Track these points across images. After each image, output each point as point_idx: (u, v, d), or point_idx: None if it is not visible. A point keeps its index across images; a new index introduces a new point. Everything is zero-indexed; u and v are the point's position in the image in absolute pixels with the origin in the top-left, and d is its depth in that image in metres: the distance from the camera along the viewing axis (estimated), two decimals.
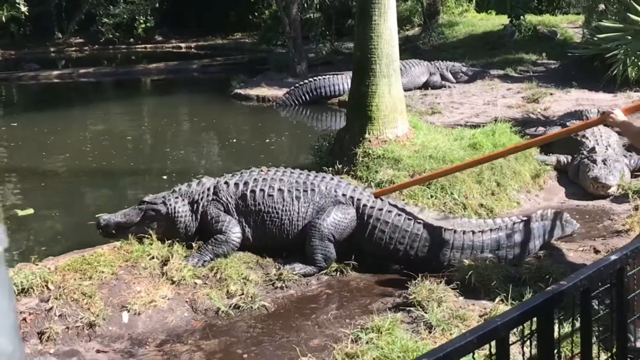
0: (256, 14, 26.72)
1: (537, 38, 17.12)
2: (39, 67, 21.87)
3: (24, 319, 4.73)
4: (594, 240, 6.17)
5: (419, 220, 5.73)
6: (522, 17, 17.17)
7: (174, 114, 14.82)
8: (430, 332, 4.53)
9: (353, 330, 4.60)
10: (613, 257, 2.60)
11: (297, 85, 14.25)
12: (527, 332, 2.37)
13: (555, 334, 2.39)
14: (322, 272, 5.70)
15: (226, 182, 5.94)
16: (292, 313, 5.15)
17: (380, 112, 7.41)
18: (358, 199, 5.83)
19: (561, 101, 11.82)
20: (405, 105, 7.92)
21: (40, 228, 7.59)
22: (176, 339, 4.81)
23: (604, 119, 5.09)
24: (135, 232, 5.77)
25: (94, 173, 9.70)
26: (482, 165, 6.97)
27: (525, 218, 5.86)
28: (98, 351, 4.66)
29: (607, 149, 7.94)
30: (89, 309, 4.88)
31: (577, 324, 2.62)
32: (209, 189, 5.92)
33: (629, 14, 11.75)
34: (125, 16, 27.04)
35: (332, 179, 6.07)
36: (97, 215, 6.18)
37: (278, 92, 14.66)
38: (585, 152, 7.94)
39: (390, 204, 5.88)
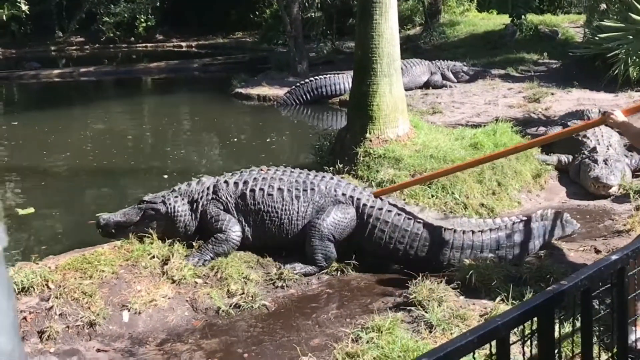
0: (257, 13, 26.75)
1: (538, 37, 17.11)
2: (39, 66, 21.87)
3: (25, 318, 4.73)
4: (595, 240, 6.17)
5: (418, 220, 5.73)
6: (523, 16, 17.16)
7: (175, 113, 14.82)
8: (430, 332, 4.53)
9: (353, 330, 4.60)
10: (614, 257, 2.60)
11: (298, 84, 14.25)
12: (527, 331, 2.36)
13: (556, 334, 2.38)
14: (323, 271, 5.70)
15: (226, 181, 5.94)
16: (293, 312, 5.15)
17: (381, 112, 7.40)
18: (358, 199, 5.83)
19: (562, 101, 11.81)
20: (406, 105, 7.92)
21: (40, 227, 7.59)
22: (177, 338, 4.81)
23: (604, 119, 5.09)
24: (135, 231, 5.77)
25: (95, 172, 9.70)
26: (483, 165, 6.97)
27: (525, 218, 5.86)
28: (98, 350, 4.66)
29: (608, 149, 7.94)
30: (89, 308, 4.88)
31: (578, 324, 2.61)
32: (208, 188, 5.92)
33: (630, 14, 11.75)
34: (126, 15, 27.10)
35: (331, 178, 6.07)
36: (97, 215, 6.18)
37: (279, 92, 14.66)
38: (586, 152, 7.94)
39: (390, 203, 5.87)
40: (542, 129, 9.49)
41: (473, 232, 5.67)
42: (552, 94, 12.28)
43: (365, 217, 5.76)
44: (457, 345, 2.00)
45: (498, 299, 4.83)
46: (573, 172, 7.97)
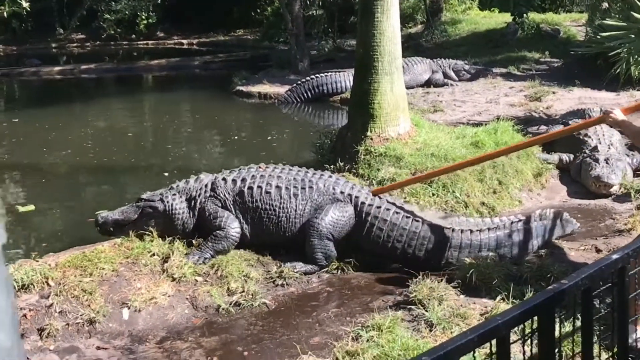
0: (258, 10, 26.73)
1: (540, 36, 17.09)
2: (40, 62, 21.87)
3: (24, 315, 4.73)
4: (596, 239, 6.16)
5: (417, 219, 5.72)
6: (525, 15, 17.12)
7: (176, 110, 14.81)
8: (431, 331, 4.52)
9: (354, 328, 4.60)
10: (615, 256, 2.60)
11: (299, 82, 14.24)
12: (528, 330, 2.36)
13: (556, 333, 2.38)
14: (323, 270, 5.70)
15: (224, 179, 5.93)
16: (293, 311, 5.14)
17: (382, 110, 7.39)
18: (356, 197, 5.82)
19: (564, 100, 11.80)
20: (407, 103, 7.91)
21: (40, 224, 7.59)
22: (176, 336, 4.81)
23: (604, 118, 5.08)
24: (133, 229, 5.77)
25: (95, 169, 9.70)
26: (484, 163, 6.96)
27: (523, 217, 5.85)
28: (98, 348, 4.66)
29: (609, 148, 7.93)
30: (89, 305, 4.88)
31: (578, 323, 2.61)
32: (206, 186, 5.91)
33: (632, 13, 11.75)
34: (127, 12, 27.10)
35: (330, 176, 6.06)
36: (96, 213, 6.18)
37: (280, 89, 14.65)
38: (587, 151, 7.93)
39: (388, 202, 5.86)
40: (543, 127, 9.48)
41: (471, 231, 5.67)
42: (554, 92, 12.26)
43: (363, 216, 5.76)
44: (457, 344, 1.99)
45: (498, 297, 4.83)
46: (574, 171, 7.97)
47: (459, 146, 7.62)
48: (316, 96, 13.88)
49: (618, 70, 11.92)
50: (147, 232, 5.72)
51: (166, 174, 8.88)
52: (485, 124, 8.86)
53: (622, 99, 11.50)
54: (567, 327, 3.67)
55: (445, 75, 14.11)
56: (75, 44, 28.47)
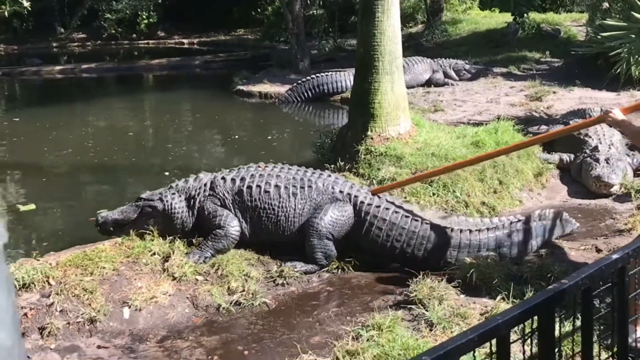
0: (259, 10, 26.74)
1: (540, 36, 17.09)
2: (41, 62, 21.89)
3: (25, 314, 4.74)
4: (596, 239, 6.16)
5: (416, 218, 5.72)
6: (525, 14, 17.12)
7: (176, 110, 14.82)
8: (431, 330, 4.52)
9: (354, 328, 4.60)
10: (615, 256, 2.60)
11: (299, 81, 14.24)
12: (528, 330, 2.36)
13: (556, 333, 2.38)
14: (323, 269, 5.70)
15: (223, 178, 5.93)
16: (293, 310, 5.15)
17: (382, 110, 7.39)
18: (355, 196, 5.82)
19: (564, 99, 11.80)
20: (407, 103, 7.91)
21: (41, 223, 7.60)
22: (177, 335, 4.82)
23: (604, 118, 5.08)
24: (133, 228, 5.77)
25: (96, 169, 9.71)
26: (484, 163, 6.97)
27: (523, 218, 5.85)
28: (99, 347, 4.67)
29: (610, 148, 7.93)
30: (90, 304, 4.88)
31: (578, 323, 2.61)
32: (205, 185, 5.91)
33: (632, 13, 11.75)
34: (127, 12, 27.09)
35: (329, 175, 6.06)
36: (97, 212, 6.18)
37: (280, 89, 14.65)
38: (588, 151, 7.93)
39: (387, 201, 5.87)
40: (543, 127, 9.48)
41: (470, 231, 5.67)
42: (554, 92, 12.26)
43: (362, 215, 5.76)
44: (457, 344, 1.99)
45: (499, 297, 4.83)
46: (574, 171, 7.97)
47: (459, 146, 7.62)
48: (317, 96, 13.89)
49: (618, 70, 11.92)
50: (147, 232, 5.73)
51: (167, 173, 8.88)
52: (486, 124, 8.87)
53: (622, 99, 11.49)
54: (567, 326, 3.67)
55: (446, 75, 14.11)
56: (76, 44, 28.49)
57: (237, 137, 11.87)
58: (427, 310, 4.71)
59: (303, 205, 5.76)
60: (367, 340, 4.36)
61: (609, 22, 12.43)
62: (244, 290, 5.23)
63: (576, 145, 8.13)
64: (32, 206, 7.73)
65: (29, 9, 16.97)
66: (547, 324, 2.31)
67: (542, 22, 17.86)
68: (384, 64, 7.38)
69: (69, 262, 5.25)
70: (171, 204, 5.82)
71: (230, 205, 5.80)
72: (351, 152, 7.34)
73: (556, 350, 2.40)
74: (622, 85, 12.07)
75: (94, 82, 20.12)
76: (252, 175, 5.89)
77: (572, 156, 8.10)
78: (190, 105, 15.81)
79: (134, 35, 28.51)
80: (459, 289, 5.08)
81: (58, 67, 21.16)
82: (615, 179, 7.35)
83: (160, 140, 11.99)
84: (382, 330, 4.44)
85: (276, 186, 5.79)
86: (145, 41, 28.30)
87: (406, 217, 5.72)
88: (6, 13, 16.57)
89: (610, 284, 2.66)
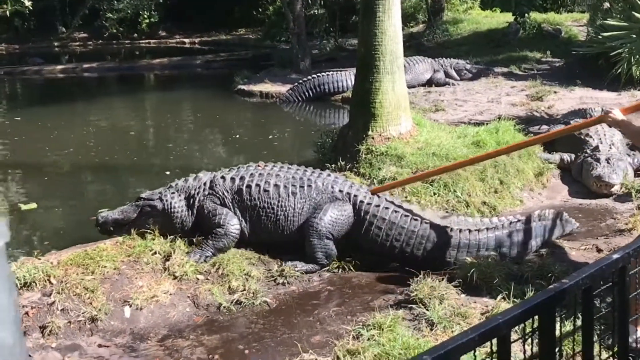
0: (260, 9, 26.73)
1: (541, 36, 17.08)
2: (42, 61, 21.90)
3: (27, 313, 4.74)
4: (597, 238, 6.16)
5: (415, 218, 5.72)
6: (526, 14, 17.12)
7: (177, 109, 14.83)
8: (431, 330, 4.53)
9: (354, 327, 4.60)
10: (615, 256, 2.60)
11: (300, 81, 14.24)
12: (528, 330, 2.37)
13: (557, 332, 2.38)
14: (324, 269, 5.70)
15: (222, 177, 5.93)
16: (294, 309, 5.15)
17: (383, 109, 7.40)
18: (355, 196, 5.82)
19: (565, 99, 11.79)
20: (408, 103, 7.91)
21: (43, 222, 7.61)
22: (178, 334, 4.82)
23: (604, 118, 5.08)
24: (133, 228, 5.78)
25: (97, 168, 9.71)
26: (486, 162, 6.97)
27: (522, 218, 5.85)
28: (100, 346, 4.67)
29: (610, 148, 7.93)
30: (91, 303, 4.89)
31: (579, 323, 2.61)
32: (205, 184, 5.91)
33: (633, 13, 11.75)
34: (129, 11, 27.11)
35: (329, 175, 6.06)
36: (98, 211, 6.19)
37: (281, 88, 14.65)
38: (588, 151, 7.93)
39: (387, 200, 5.87)
40: (544, 127, 9.48)
41: (470, 230, 5.67)
42: (555, 92, 12.26)
43: (362, 214, 5.76)
44: (458, 343, 2.00)
45: (499, 297, 4.83)
46: (575, 171, 7.97)
47: (460, 145, 7.62)
48: (317, 95, 13.88)
49: (619, 70, 11.92)
50: (148, 231, 5.73)
51: (168, 173, 8.88)
52: (487, 124, 8.86)
53: (623, 98, 11.49)
54: (568, 326, 3.67)
55: (447, 75, 14.11)
56: (77, 43, 28.48)
57: (238, 136, 11.87)
58: (427, 310, 4.72)
59: (302, 205, 5.76)
60: (368, 339, 4.36)
61: (610, 22, 12.42)
62: (244, 290, 5.24)
63: (577, 145, 8.13)
64: (34, 205, 7.74)
65: (31, 8, 17.03)
66: (548, 323, 2.32)
67: (543, 22, 17.86)
68: (385, 64, 7.38)
69: (70, 261, 5.26)
70: (171, 203, 5.82)
71: (230, 204, 5.81)
72: (352, 152, 7.34)
73: (557, 349, 2.41)
74: (622, 85, 12.06)
75: (95, 81, 20.13)
76: (251, 174, 5.89)
77: (573, 156, 8.10)
78: (191, 104, 15.81)
79: (135, 35, 28.50)
80: (460, 288, 5.08)
81: (59, 67, 21.18)
82: (616, 179, 7.35)
83: (161, 139, 12.00)
84: (382, 329, 4.44)
85: (275, 185, 5.80)
86: (147, 41, 28.29)
87: (405, 216, 5.72)
88: (8, 12, 16.62)
89: (610, 284, 2.66)
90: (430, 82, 13.89)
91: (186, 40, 28.26)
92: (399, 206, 5.84)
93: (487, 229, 5.71)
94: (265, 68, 17.58)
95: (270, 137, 11.37)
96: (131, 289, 5.11)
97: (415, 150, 7.29)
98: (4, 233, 1.53)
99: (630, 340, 2.85)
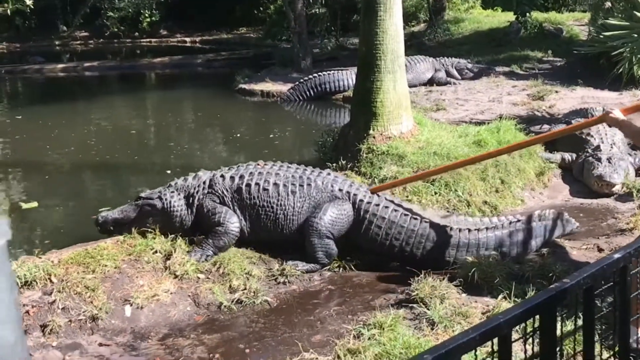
0: (261, 8, 26.72)
1: (542, 35, 17.07)
2: (43, 60, 21.91)
3: (27, 312, 4.74)
4: (598, 238, 6.16)
5: (415, 217, 5.72)
6: (528, 14, 17.11)
7: (178, 108, 14.83)
8: (432, 329, 4.52)
9: (355, 326, 4.60)
10: (616, 256, 2.60)
11: (301, 80, 14.23)
12: (529, 329, 2.36)
13: (558, 332, 2.38)
14: (325, 268, 5.70)
15: (222, 176, 5.93)
16: (295, 308, 5.15)
17: (384, 108, 7.39)
18: (354, 194, 5.82)
19: (566, 99, 11.78)
20: (410, 102, 7.91)
21: (43, 221, 7.61)
22: (178, 333, 4.82)
23: (604, 118, 5.07)
24: (133, 227, 5.78)
25: (98, 167, 9.72)
26: (487, 162, 6.96)
27: (522, 218, 5.85)
28: (100, 344, 4.68)
29: (612, 147, 7.93)
30: (91, 302, 4.89)
31: (580, 322, 2.61)
32: (204, 182, 5.91)
33: (635, 12, 11.74)
34: (130, 10, 27.14)
35: (328, 174, 6.06)
36: (99, 210, 6.19)
37: (282, 88, 14.65)
38: (590, 150, 7.93)
39: (386, 199, 5.87)
40: (546, 126, 9.48)
41: (469, 230, 5.66)
42: (556, 92, 12.25)
43: (362, 213, 5.75)
44: (459, 343, 2.00)
45: (500, 296, 4.83)
46: (576, 170, 7.96)
47: (461, 145, 7.62)
48: (319, 94, 13.87)
49: (621, 70, 11.90)
50: (149, 230, 5.73)
51: (169, 172, 8.88)
52: (488, 123, 8.86)
53: (624, 98, 11.48)
54: (569, 326, 3.67)
55: (448, 74, 14.10)
56: (78, 42, 28.49)
57: (238, 135, 11.87)
58: (428, 309, 4.72)
59: (302, 204, 5.76)
60: (369, 338, 4.36)
61: (612, 21, 12.41)
62: (245, 289, 5.24)
63: (578, 145, 8.12)
64: (35, 204, 7.74)
65: (32, 6, 17.05)
66: (549, 323, 2.31)
67: (544, 22, 17.85)
68: (386, 63, 7.38)
69: (71, 260, 5.26)
70: (170, 202, 5.82)
71: (229, 203, 5.81)
72: (353, 151, 7.34)
73: (557, 349, 2.40)
74: (624, 84, 12.04)
75: (96, 80, 20.13)
76: (251, 173, 5.89)
77: (574, 155, 8.10)
78: (192, 103, 15.81)
79: (137, 34, 28.51)
80: (461, 288, 5.08)
81: (60, 65, 21.18)
82: (617, 179, 7.35)
83: (162, 138, 11.99)
84: (383, 329, 4.44)
85: (275, 184, 5.79)
86: (148, 39, 28.30)
87: (405, 215, 5.72)
88: (9, 11, 16.64)
89: (612, 283, 2.66)
90: (431, 82, 13.88)
91: (187, 39, 28.26)
92: (399, 205, 5.84)
93: (487, 228, 5.70)
94: (266, 67, 17.57)
95: (271, 136, 11.37)
96: (132, 288, 5.11)
97: (417, 149, 7.28)
98: (5, 232, 1.53)
99: (631, 340, 2.84)
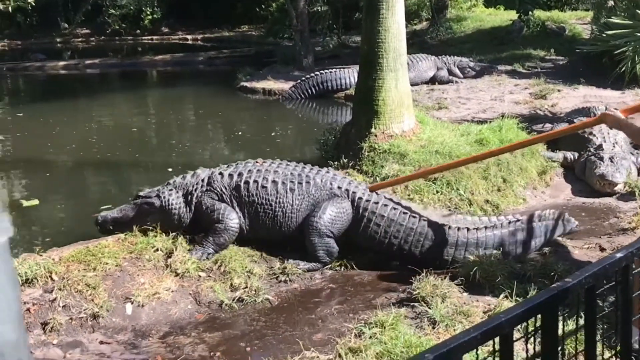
0: (263, 6, 26.67)
1: (545, 34, 17.05)
2: (45, 57, 21.93)
3: (28, 310, 4.75)
4: (600, 237, 6.15)
5: (414, 215, 5.72)
6: (530, 12, 17.08)
7: (180, 106, 14.82)
8: (433, 328, 4.52)
9: (356, 325, 4.60)
10: (618, 255, 2.59)
11: (303, 78, 14.22)
12: (531, 328, 2.36)
13: (560, 331, 2.38)
14: (326, 266, 5.70)
15: (220, 173, 5.93)
16: (296, 307, 5.15)
17: (386, 107, 7.38)
18: (353, 192, 5.82)
19: (569, 98, 11.76)
20: (412, 100, 7.90)
21: (45, 219, 7.61)
22: (179, 331, 4.82)
23: (604, 119, 5.04)
24: (132, 226, 5.77)
25: (99, 164, 9.72)
26: (489, 161, 6.95)
27: (522, 217, 5.84)
28: (101, 342, 4.68)
29: (614, 147, 7.91)
30: (92, 300, 4.89)
31: (582, 322, 2.60)
32: (203, 180, 5.91)
33: (638, 11, 11.72)
34: (131, 7, 27.15)
35: (327, 171, 6.05)
36: (101, 209, 6.19)
37: (284, 85, 14.64)
38: (592, 149, 7.92)
39: (385, 197, 5.86)
40: (548, 125, 9.47)
41: (468, 229, 5.66)
42: (559, 90, 12.23)
43: (360, 211, 5.75)
44: (460, 342, 1.99)
45: (502, 295, 4.82)
46: (579, 170, 7.95)
47: (463, 143, 7.61)
48: (320, 92, 13.86)
49: (623, 69, 11.89)
50: (150, 228, 5.73)
51: (170, 170, 8.87)
52: (490, 122, 8.84)
53: (627, 97, 11.46)
54: (571, 325, 3.66)
55: (450, 73, 14.08)
56: (80, 39, 28.50)
57: (240, 133, 11.86)
58: (430, 308, 4.71)
59: (301, 201, 5.75)
60: (370, 337, 4.35)
61: (614, 20, 12.39)
62: (246, 287, 5.24)
63: (580, 144, 8.11)
64: (36, 201, 7.74)
65: (33, 4, 17.03)
66: (551, 322, 2.31)
67: (547, 20, 17.82)
68: (388, 61, 7.37)
69: (72, 258, 5.26)
70: (168, 200, 5.82)
71: (228, 200, 5.80)
72: (355, 149, 7.33)
73: (559, 348, 2.40)
74: (626, 83, 12.02)
75: (97, 77, 20.13)
76: (249, 170, 5.89)
77: (576, 154, 8.09)
78: (194, 101, 15.80)
79: (138, 31, 28.48)
80: (462, 286, 5.07)
81: (62, 63, 21.19)
82: (619, 178, 7.34)
83: (163, 136, 11.99)
84: (384, 327, 4.44)
85: (273, 182, 5.79)
86: (149, 37, 28.27)
87: (404, 213, 5.71)
88: (10, 8, 16.62)
89: (614, 283, 2.65)
90: (433, 80, 13.87)
91: (189, 36, 28.23)
92: (398, 203, 5.84)
93: (486, 227, 5.70)
94: (268, 65, 17.57)
95: (272, 134, 11.37)
96: (133, 286, 5.11)
97: (418, 148, 7.28)
98: (7, 228, 1.52)
99: (633, 340, 2.84)
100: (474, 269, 5.14)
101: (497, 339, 2.14)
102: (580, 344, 2.62)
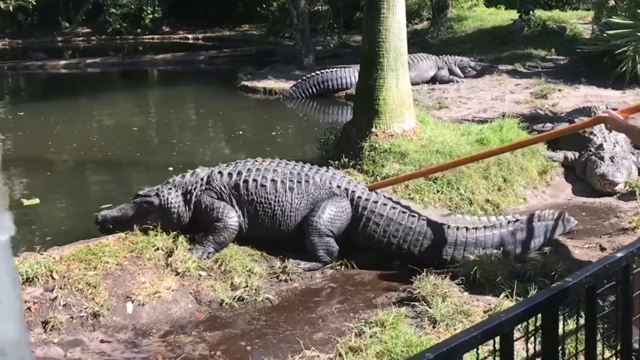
0: (264, 5, 26.66)
1: (546, 33, 17.04)
2: (46, 56, 21.93)
3: (29, 308, 4.75)
4: (600, 237, 6.14)
5: (413, 214, 5.72)
6: (531, 12, 17.07)
7: (180, 105, 14.82)
8: (434, 327, 4.52)
9: (357, 324, 4.60)
10: (619, 255, 2.59)
11: (304, 78, 14.21)
12: (531, 328, 2.36)
13: (560, 331, 2.38)
14: (327, 266, 5.70)
15: (220, 172, 5.93)
16: (296, 306, 5.15)
17: (387, 106, 7.38)
18: (352, 191, 5.82)
19: (569, 97, 11.76)
20: (412, 100, 7.89)
21: (45, 217, 7.61)
22: (180, 330, 4.83)
23: (601, 119, 5.02)
24: (132, 225, 5.77)
25: (100, 163, 9.72)
26: (489, 160, 6.95)
27: (521, 217, 5.84)
28: (102, 341, 4.68)
29: (614, 146, 7.91)
30: (93, 299, 4.89)
31: (582, 321, 2.60)
32: (202, 179, 5.91)
33: (638, 10, 11.71)
34: (132, 6, 27.14)
35: (326, 170, 6.05)
36: (100, 208, 6.20)
37: (285, 85, 14.64)
38: (592, 149, 7.91)
39: (384, 197, 5.86)
40: (548, 125, 9.46)
41: (467, 228, 5.66)
42: (560, 90, 12.22)
43: (360, 210, 5.75)
44: (460, 341, 1.99)
45: (502, 295, 4.82)
46: (579, 169, 7.95)
47: (464, 143, 7.60)
48: (321, 92, 13.86)
49: (624, 69, 11.88)
50: (150, 227, 5.73)
51: (171, 169, 8.87)
52: (491, 121, 8.84)
53: (628, 97, 11.45)
54: (571, 324, 3.67)
55: (451, 72, 14.08)
56: (80, 38, 28.49)
57: (241, 132, 11.86)
58: (430, 308, 4.71)
59: (300, 200, 5.75)
60: (370, 336, 4.36)
61: (615, 19, 12.38)
62: (247, 286, 5.24)
63: (581, 143, 8.11)
64: (36, 200, 7.74)
65: (34, 3, 17.04)
66: (551, 322, 2.31)
67: (547, 20, 17.81)
68: (389, 61, 7.37)
69: (73, 257, 5.26)
70: (167, 199, 5.82)
71: (227, 199, 5.80)
72: (355, 149, 7.33)
73: (559, 348, 2.40)
74: (627, 83, 12.01)
75: (98, 77, 20.14)
76: (248, 169, 5.89)
77: (577, 154, 8.08)
78: (195, 100, 15.80)
79: (139, 30, 28.47)
80: (463, 286, 5.08)
81: (63, 62, 21.19)
82: (619, 177, 7.33)
83: (164, 135, 12.00)
84: (385, 327, 4.44)
85: (273, 181, 5.79)
86: (150, 36, 28.27)
87: (403, 212, 5.71)
88: (11, 7, 16.62)
89: (614, 283, 2.65)
90: (434, 80, 13.86)
91: (189, 36, 28.22)
92: (397, 202, 5.84)
93: (485, 227, 5.70)
94: (268, 64, 17.56)
95: (273, 133, 11.37)
96: (133, 285, 5.11)
97: (419, 147, 7.28)
98: (8, 227, 1.53)
99: (633, 340, 2.84)
100: (475, 268, 5.14)
101: (497, 339, 2.14)
102: (581, 344, 2.63)
